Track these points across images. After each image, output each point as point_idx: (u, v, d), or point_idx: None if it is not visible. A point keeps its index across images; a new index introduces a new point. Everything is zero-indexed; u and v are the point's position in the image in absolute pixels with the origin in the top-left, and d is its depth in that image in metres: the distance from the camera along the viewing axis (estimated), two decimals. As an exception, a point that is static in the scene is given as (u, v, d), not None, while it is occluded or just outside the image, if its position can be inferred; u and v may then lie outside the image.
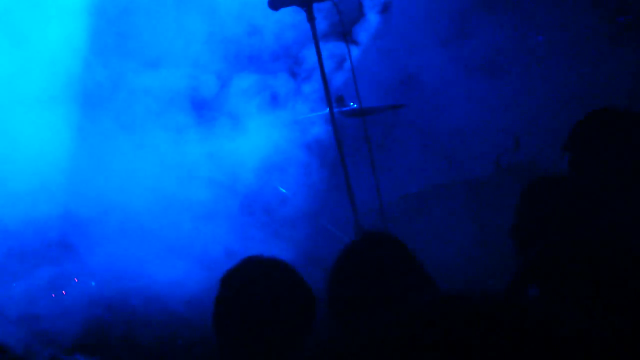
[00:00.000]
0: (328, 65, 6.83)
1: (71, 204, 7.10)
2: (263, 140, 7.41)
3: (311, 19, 6.16)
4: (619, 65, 8.01)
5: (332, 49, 7.29)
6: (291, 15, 6.88)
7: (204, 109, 7.60)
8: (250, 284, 3.52)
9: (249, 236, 7.19)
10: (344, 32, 6.79)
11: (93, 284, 7.05)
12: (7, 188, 6.98)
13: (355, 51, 7.52)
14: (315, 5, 6.21)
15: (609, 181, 3.64)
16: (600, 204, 3.42)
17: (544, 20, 8.28)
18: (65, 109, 7.25)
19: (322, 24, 6.88)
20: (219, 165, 7.40)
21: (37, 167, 7.05)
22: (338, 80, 7.61)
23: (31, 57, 7.18)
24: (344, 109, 7.03)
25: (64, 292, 6.99)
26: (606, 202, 3.49)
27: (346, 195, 6.30)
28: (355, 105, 6.92)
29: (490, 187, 7.51)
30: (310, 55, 7.25)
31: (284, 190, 7.58)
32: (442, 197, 7.70)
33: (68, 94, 7.26)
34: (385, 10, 8.11)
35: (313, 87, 7.55)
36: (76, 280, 7.05)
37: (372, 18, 8.05)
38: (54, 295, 6.94)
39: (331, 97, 6.35)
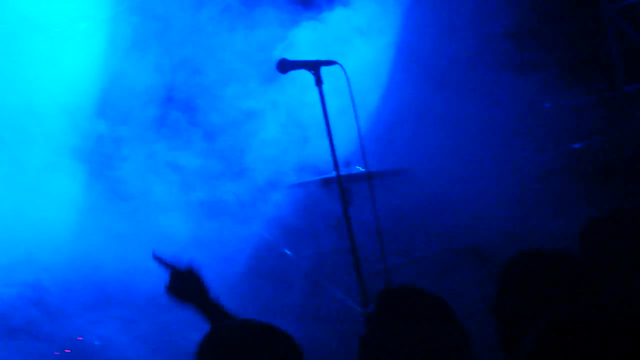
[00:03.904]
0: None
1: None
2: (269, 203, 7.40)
3: (319, 82, 6.14)
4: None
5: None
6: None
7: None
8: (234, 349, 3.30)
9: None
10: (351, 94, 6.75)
11: None
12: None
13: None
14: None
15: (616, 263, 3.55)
16: (593, 282, 3.30)
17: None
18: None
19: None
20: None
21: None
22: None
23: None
24: (351, 172, 7.00)
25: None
26: (601, 281, 3.37)
27: (351, 258, 6.25)
28: (362, 169, 6.89)
29: (497, 254, 7.45)
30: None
31: (289, 252, 7.54)
32: (447, 262, 7.63)
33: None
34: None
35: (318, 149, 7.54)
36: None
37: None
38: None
39: (338, 161, 6.31)
